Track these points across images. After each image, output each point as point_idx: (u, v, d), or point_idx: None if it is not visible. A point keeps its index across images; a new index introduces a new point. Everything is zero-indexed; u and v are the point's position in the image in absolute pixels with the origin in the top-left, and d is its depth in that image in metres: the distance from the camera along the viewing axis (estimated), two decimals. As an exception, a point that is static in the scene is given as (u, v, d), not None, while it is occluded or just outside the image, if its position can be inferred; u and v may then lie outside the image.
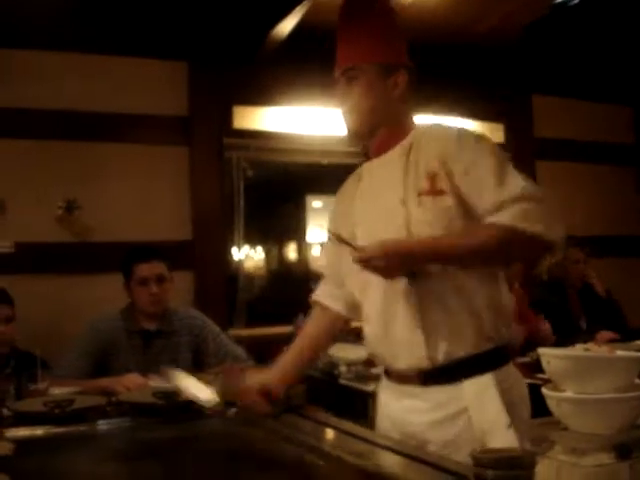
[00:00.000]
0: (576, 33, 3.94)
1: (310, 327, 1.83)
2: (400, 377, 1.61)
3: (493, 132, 4.32)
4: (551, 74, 4.42)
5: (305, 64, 3.65)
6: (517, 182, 1.46)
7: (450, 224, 1.50)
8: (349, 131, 1.67)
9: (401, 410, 1.61)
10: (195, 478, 1.41)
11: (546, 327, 3.46)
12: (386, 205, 1.59)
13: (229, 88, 3.83)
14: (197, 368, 2.60)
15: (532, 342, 3.17)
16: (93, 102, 3.51)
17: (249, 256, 4.39)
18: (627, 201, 4.84)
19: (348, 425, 1.68)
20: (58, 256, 3.41)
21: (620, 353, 1.00)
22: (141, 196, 3.61)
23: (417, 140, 1.60)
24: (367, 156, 1.71)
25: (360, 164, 1.77)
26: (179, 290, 3.16)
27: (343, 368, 3.05)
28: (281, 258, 4.73)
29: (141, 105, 3.62)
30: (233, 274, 4.05)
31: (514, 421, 1.43)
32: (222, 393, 1.77)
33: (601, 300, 3.85)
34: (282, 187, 4.61)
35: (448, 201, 1.50)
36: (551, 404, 1.01)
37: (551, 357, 1.01)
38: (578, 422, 0.98)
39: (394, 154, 1.62)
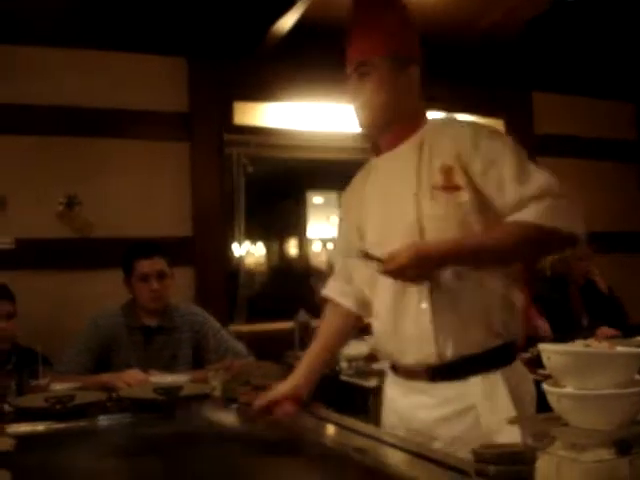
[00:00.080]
0: (577, 29, 3.93)
1: (324, 327, 1.82)
2: (408, 373, 1.60)
3: (494, 128, 4.31)
4: (552, 70, 4.41)
5: (306, 60, 3.65)
6: (538, 178, 1.46)
7: (465, 219, 1.50)
8: (362, 127, 1.66)
9: (408, 406, 1.60)
10: (196, 474, 1.41)
11: (544, 326, 3.45)
12: (398, 199, 1.58)
13: (229, 84, 3.82)
14: (198, 364, 2.61)
15: (532, 338, 3.16)
16: (93, 98, 3.50)
17: (250, 252, 4.39)
18: (629, 197, 4.83)
19: (349, 421, 1.68)
20: (59, 252, 3.41)
21: (620, 349, 0.99)
22: (141, 192, 3.61)
23: (430, 134, 1.59)
24: (377, 152, 1.69)
25: (366, 161, 1.76)
26: (180, 286, 3.17)
27: (344, 364, 3.05)
28: (282, 254, 4.74)
29: (141, 101, 3.62)
30: (234, 270, 4.05)
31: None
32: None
33: (603, 297, 3.84)
34: (283, 183, 4.61)
35: (464, 196, 1.50)
36: (551, 400, 1.01)
37: (551, 353, 1.01)
38: (578, 418, 0.98)
39: (406, 148, 1.61)
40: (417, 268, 1.44)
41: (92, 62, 3.53)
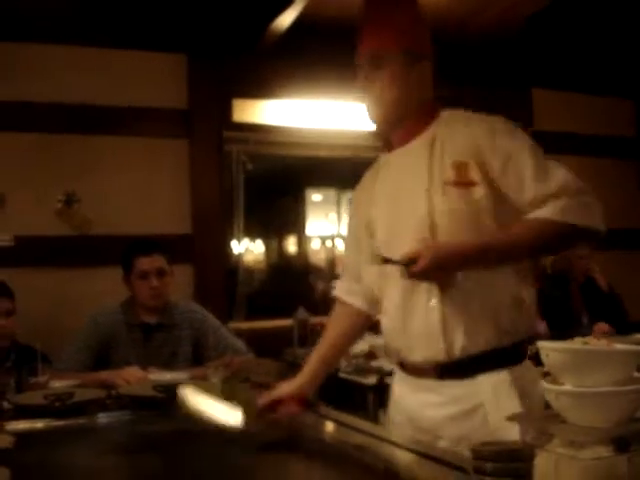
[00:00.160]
0: (576, 26, 3.93)
1: (331, 327, 1.80)
2: (416, 370, 1.59)
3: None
4: (551, 67, 4.41)
5: (305, 57, 3.65)
6: (557, 175, 1.46)
7: (477, 215, 1.49)
8: (374, 123, 1.65)
9: (416, 404, 1.59)
10: (195, 471, 1.41)
11: (541, 324, 3.44)
12: (410, 194, 1.57)
13: (229, 81, 3.82)
14: (197, 361, 2.62)
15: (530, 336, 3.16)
16: (93, 95, 3.50)
17: (249, 249, 4.39)
18: (629, 194, 4.83)
19: (349, 418, 1.68)
20: (58, 249, 3.41)
21: (619, 346, 0.99)
22: (141, 189, 3.61)
23: (442, 130, 1.58)
24: (389, 148, 1.68)
25: (365, 158, 1.75)
26: (179, 284, 3.17)
27: (343, 361, 3.05)
28: (281, 251, 4.74)
29: (141, 98, 3.62)
30: (233, 267, 4.06)
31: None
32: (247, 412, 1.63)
33: (603, 294, 3.85)
34: (282, 180, 4.61)
35: (479, 192, 1.49)
36: (550, 397, 1.01)
37: (550, 350, 1.01)
38: (576, 415, 0.98)
39: (418, 144, 1.60)
40: (440, 269, 1.45)
41: (92, 59, 3.53)
